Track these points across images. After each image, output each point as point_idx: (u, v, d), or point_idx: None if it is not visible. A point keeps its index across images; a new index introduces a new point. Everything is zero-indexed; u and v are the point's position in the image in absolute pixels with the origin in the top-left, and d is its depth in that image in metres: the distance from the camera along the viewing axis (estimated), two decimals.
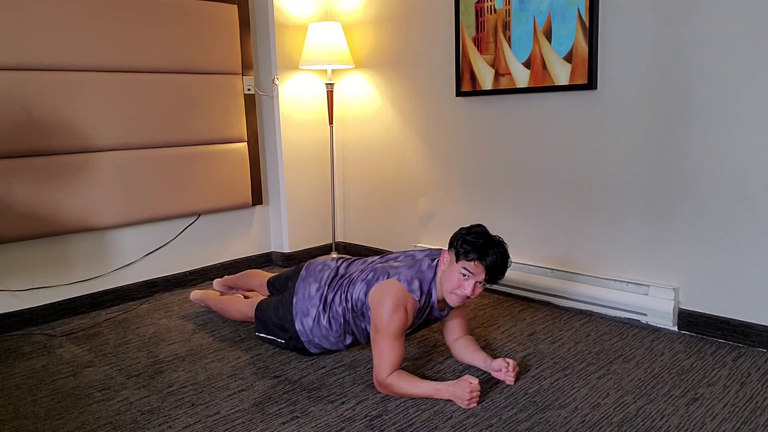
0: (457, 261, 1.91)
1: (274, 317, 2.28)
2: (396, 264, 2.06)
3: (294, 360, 2.25)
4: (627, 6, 2.43)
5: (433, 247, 3.30)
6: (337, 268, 2.23)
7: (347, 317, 2.10)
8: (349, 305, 2.08)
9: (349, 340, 2.17)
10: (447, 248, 2.00)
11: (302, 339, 2.19)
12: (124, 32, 2.82)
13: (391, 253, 2.22)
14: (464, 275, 1.90)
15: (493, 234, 1.97)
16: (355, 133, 3.66)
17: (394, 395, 1.94)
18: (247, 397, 1.97)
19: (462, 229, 1.97)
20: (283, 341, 2.27)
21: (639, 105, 2.46)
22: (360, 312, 2.06)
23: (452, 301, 1.96)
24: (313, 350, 2.23)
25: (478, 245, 1.88)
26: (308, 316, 2.16)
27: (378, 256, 2.23)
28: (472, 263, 1.88)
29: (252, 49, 3.38)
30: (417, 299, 1.97)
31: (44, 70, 2.61)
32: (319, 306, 2.15)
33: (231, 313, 2.58)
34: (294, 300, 2.21)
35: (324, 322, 2.13)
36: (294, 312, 2.19)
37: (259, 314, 2.36)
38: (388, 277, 1.98)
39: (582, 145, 2.66)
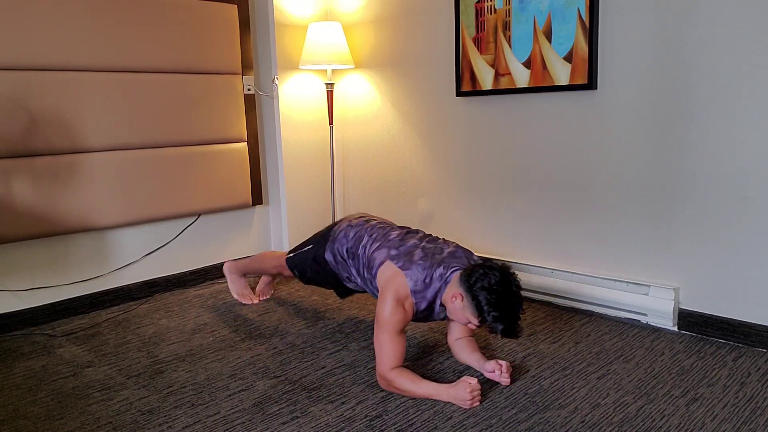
0: (477, 318, 1.88)
1: (318, 232, 2.53)
2: (416, 256, 2.04)
3: (294, 360, 2.25)
4: (627, 6, 2.43)
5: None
6: (391, 224, 2.36)
7: (360, 256, 2.23)
8: (367, 255, 2.19)
9: (351, 269, 2.30)
10: (460, 286, 1.91)
11: (329, 238, 2.38)
12: (124, 32, 2.82)
13: (431, 237, 2.22)
14: (477, 326, 1.92)
15: (507, 267, 1.91)
16: (355, 133, 3.66)
17: (396, 392, 1.94)
18: (247, 397, 1.97)
19: (485, 281, 1.84)
20: (309, 246, 2.48)
21: (639, 105, 2.46)
22: (367, 269, 2.18)
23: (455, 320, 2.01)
24: (328, 256, 2.38)
25: (506, 327, 1.85)
26: (347, 225, 2.36)
27: (422, 232, 2.26)
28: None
29: (252, 49, 3.38)
30: (415, 302, 1.99)
31: (44, 70, 2.61)
32: (359, 224, 2.32)
33: (266, 265, 2.76)
34: (346, 218, 2.43)
35: (351, 233, 2.30)
36: (340, 221, 2.42)
37: (293, 248, 2.62)
38: (400, 265, 2.01)
39: (582, 145, 2.66)
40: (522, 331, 1.90)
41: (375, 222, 2.33)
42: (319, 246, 2.44)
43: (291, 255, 2.59)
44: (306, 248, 2.51)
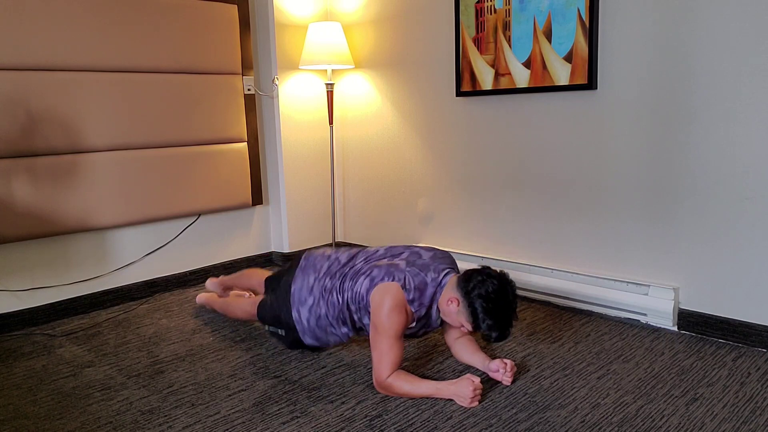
0: (471, 324, 1.89)
1: (271, 310, 2.27)
2: (401, 265, 2.01)
3: (294, 360, 2.25)
4: (627, 6, 2.44)
5: (435, 246, 3.28)
6: (337, 258, 2.21)
7: (346, 307, 2.08)
8: (348, 295, 2.06)
9: (344, 330, 2.14)
10: (457, 290, 1.90)
11: (297, 329, 2.18)
12: (125, 32, 2.82)
13: (395, 247, 2.19)
14: (470, 331, 1.93)
15: (505, 276, 1.90)
16: (355, 133, 3.66)
17: (395, 396, 1.94)
18: (247, 397, 1.97)
19: (482, 289, 1.84)
20: (282, 332, 2.26)
21: (639, 105, 2.46)
22: (359, 306, 2.05)
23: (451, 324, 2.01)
24: (308, 341, 2.21)
25: (499, 335, 1.87)
26: (305, 305, 2.15)
27: (382, 248, 2.20)
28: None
29: (252, 49, 3.38)
30: (414, 310, 1.97)
31: (44, 70, 2.61)
32: (317, 295, 2.13)
33: (236, 312, 2.55)
34: (292, 289, 2.20)
35: (322, 309, 2.12)
36: (291, 301, 2.18)
37: (260, 310, 2.35)
38: (392, 279, 1.96)
39: (582, 145, 2.66)
40: (511, 334, 1.92)
41: (328, 281, 2.14)
42: (292, 333, 2.22)
43: (268, 329, 2.34)
44: (280, 332, 2.28)
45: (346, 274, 2.11)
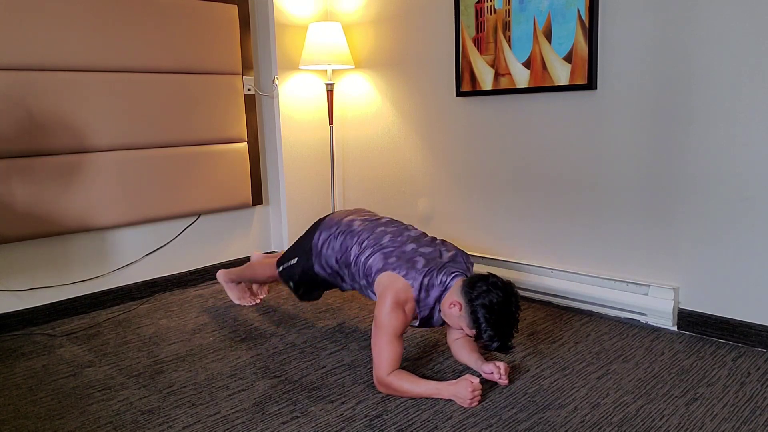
0: (471, 331, 1.89)
1: (296, 242, 2.47)
2: (418, 264, 2.01)
3: (294, 360, 2.25)
4: (627, 6, 2.44)
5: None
6: (380, 218, 2.33)
7: (353, 266, 2.18)
8: (361, 260, 2.14)
9: (346, 275, 2.26)
10: (461, 295, 1.91)
11: (313, 251, 2.34)
12: (125, 32, 2.82)
13: (424, 236, 2.20)
14: (471, 336, 1.93)
15: (507, 284, 1.90)
16: (355, 133, 3.66)
17: (395, 394, 1.94)
18: (247, 397, 1.97)
19: (486, 299, 1.84)
20: (295, 260, 2.41)
21: (639, 105, 2.46)
22: (364, 276, 2.13)
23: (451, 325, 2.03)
24: (318, 269, 2.34)
25: (500, 344, 1.87)
26: (329, 230, 2.30)
27: (415, 231, 2.24)
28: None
29: (252, 49, 3.38)
30: (419, 311, 1.99)
31: (44, 70, 2.61)
32: (343, 228, 2.26)
33: (259, 273, 2.69)
34: (328, 217, 2.38)
35: (336, 243, 2.25)
36: (321, 224, 2.36)
37: (283, 253, 2.53)
38: (403, 275, 1.99)
39: (582, 145, 2.66)
40: (513, 346, 1.92)
41: (358, 224, 2.26)
42: (305, 259, 2.38)
43: (281, 269, 2.52)
44: (292, 262, 2.44)
45: (369, 240, 2.17)
